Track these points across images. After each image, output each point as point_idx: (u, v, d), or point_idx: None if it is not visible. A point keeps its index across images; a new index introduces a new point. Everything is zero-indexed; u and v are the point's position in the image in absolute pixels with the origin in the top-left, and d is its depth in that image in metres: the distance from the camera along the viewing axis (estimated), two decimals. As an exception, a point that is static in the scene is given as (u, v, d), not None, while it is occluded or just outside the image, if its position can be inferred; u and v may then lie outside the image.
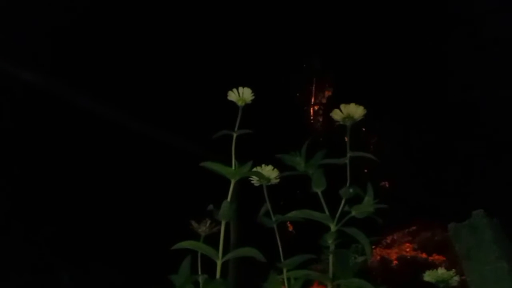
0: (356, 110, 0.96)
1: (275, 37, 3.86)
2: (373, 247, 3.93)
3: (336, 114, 0.96)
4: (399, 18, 3.89)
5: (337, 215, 0.91)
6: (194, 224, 0.92)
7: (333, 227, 0.92)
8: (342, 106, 0.96)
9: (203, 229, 0.91)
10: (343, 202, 0.92)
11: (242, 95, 0.91)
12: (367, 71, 3.96)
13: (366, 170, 3.95)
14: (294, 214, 0.92)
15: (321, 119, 3.90)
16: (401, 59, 3.91)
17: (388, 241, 3.90)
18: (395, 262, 3.72)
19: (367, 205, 0.92)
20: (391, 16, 3.89)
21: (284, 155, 0.94)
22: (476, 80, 3.67)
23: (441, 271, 0.93)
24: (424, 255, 3.78)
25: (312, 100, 3.94)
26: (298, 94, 3.98)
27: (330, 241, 0.91)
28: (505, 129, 3.45)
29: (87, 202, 2.53)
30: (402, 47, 3.90)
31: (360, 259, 1.01)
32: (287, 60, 3.95)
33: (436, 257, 3.72)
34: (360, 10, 3.93)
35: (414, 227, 3.92)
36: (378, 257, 3.77)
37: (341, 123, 0.97)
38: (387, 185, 3.88)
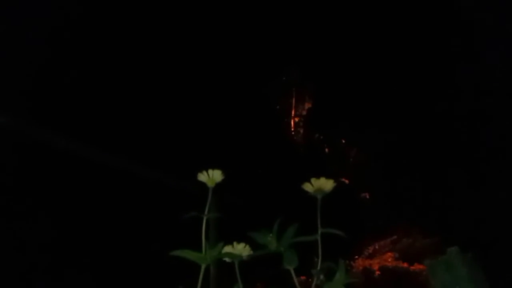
0: (326, 183, 0.97)
1: (253, 48, 3.84)
2: (356, 257, 3.97)
3: (307, 187, 0.97)
4: (378, 28, 3.90)
5: (310, 292, 0.92)
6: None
7: (305, 305, 0.92)
8: (313, 180, 0.97)
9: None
10: (315, 279, 0.93)
11: (212, 176, 0.91)
12: (347, 82, 3.97)
13: (346, 181, 3.97)
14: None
15: (301, 131, 3.91)
16: (380, 69, 3.93)
17: (370, 251, 3.94)
18: (377, 272, 3.75)
19: (339, 282, 0.93)
20: (370, 26, 3.90)
21: (256, 234, 0.94)
22: (460, 89, 3.71)
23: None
24: (405, 265, 3.82)
25: (293, 112, 3.94)
26: (278, 106, 3.98)
27: (302, 320, 0.91)
28: (488, 139, 3.49)
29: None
30: (381, 57, 3.92)
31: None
32: (266, 71, 3.94)
33: (417, 266, 3.77)
34: (338, 20, 3.93)
35: (395, 236, 3.95)
36: (361, 268, 3.80)
37: (312, 195, 0.97)
38: (367, 197, 3.91)
